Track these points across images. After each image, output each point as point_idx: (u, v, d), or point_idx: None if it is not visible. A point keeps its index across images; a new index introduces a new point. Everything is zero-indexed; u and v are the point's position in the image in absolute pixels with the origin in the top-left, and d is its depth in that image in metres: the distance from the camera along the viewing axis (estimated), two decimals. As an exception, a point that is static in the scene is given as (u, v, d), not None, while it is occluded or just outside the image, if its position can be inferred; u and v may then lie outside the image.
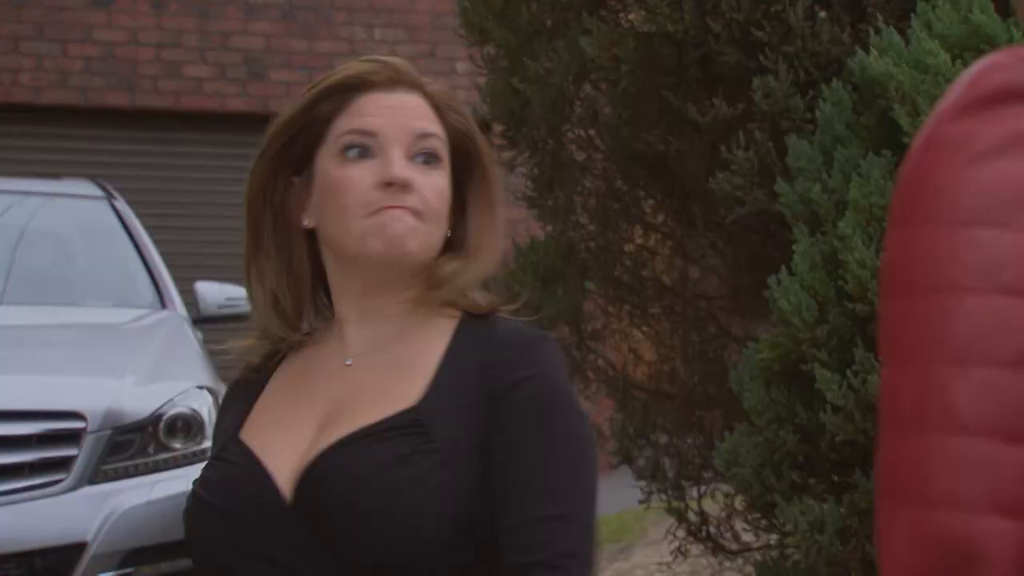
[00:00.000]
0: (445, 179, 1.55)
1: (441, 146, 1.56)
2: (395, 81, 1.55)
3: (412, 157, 1.53)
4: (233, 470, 1.49)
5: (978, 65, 0.70)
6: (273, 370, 1.60)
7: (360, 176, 1.51)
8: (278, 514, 1.44)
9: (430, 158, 1.54)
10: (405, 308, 1.54)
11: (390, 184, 1.49)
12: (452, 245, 1.57)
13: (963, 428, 0.63)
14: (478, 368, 1.47)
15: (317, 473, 1.43)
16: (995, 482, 0.62)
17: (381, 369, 1.50)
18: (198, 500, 1.50)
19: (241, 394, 1.61)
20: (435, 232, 1.53)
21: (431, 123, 1.55)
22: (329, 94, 1.55)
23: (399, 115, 1.53)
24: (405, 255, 1.50)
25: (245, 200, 1.59)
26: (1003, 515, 0.61)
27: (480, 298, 1.56)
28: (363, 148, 1.52)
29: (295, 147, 1.57)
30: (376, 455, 1.40)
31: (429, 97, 1.57)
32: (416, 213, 1.50)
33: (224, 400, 1.65)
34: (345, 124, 1.53)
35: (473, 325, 1.53)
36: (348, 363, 1.52)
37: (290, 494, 1.44)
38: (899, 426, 0.66)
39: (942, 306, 0.64)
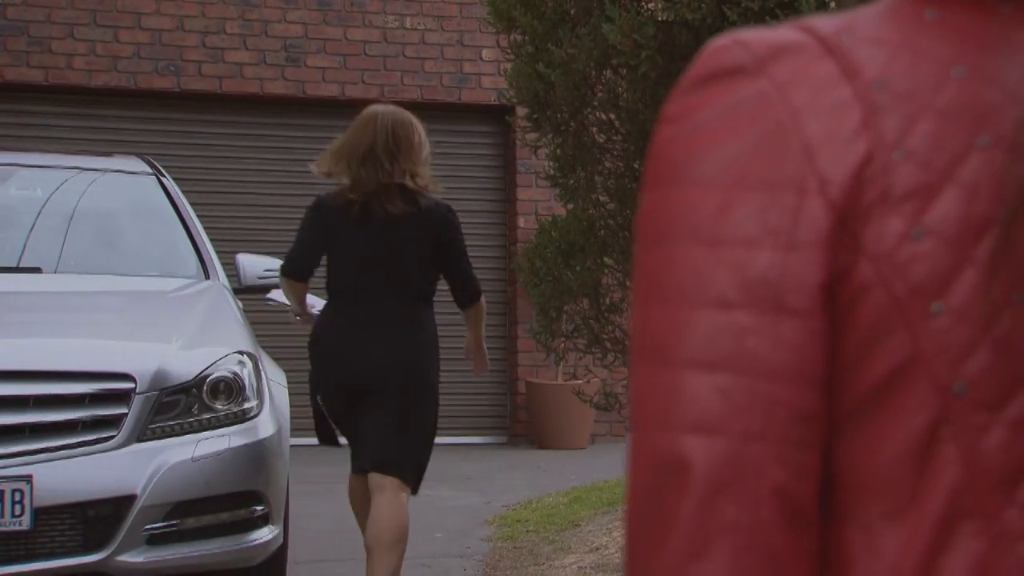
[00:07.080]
0: None
1: None
2: None
3: None
4: None
5: (706, 48, 0.83)
6: None
7: None
8: None
9: None
10: None
11: None
12: None
13: (671, 360, 0.78)
14: None
15: None
16: (694, 405, 0.77)
17: None
18: None
19: None
20: None
21: None
22: None
23: None
24: None
25: None
26: (700, 433, 0.77)
27: None
28: None
29: None
30: None
31: None
32: None
33: None
34: None
35: None
36: None
37: None
38: (634, 361, 0.82)
39: (665, 255, 0.79)
